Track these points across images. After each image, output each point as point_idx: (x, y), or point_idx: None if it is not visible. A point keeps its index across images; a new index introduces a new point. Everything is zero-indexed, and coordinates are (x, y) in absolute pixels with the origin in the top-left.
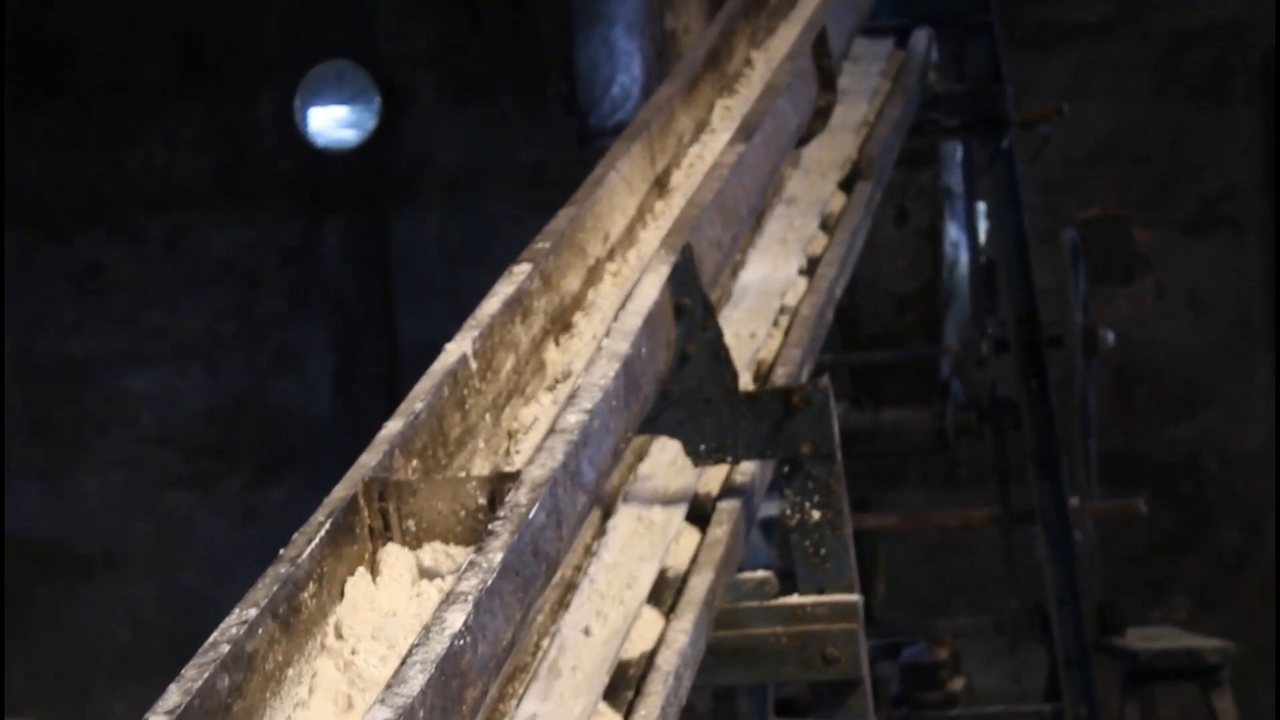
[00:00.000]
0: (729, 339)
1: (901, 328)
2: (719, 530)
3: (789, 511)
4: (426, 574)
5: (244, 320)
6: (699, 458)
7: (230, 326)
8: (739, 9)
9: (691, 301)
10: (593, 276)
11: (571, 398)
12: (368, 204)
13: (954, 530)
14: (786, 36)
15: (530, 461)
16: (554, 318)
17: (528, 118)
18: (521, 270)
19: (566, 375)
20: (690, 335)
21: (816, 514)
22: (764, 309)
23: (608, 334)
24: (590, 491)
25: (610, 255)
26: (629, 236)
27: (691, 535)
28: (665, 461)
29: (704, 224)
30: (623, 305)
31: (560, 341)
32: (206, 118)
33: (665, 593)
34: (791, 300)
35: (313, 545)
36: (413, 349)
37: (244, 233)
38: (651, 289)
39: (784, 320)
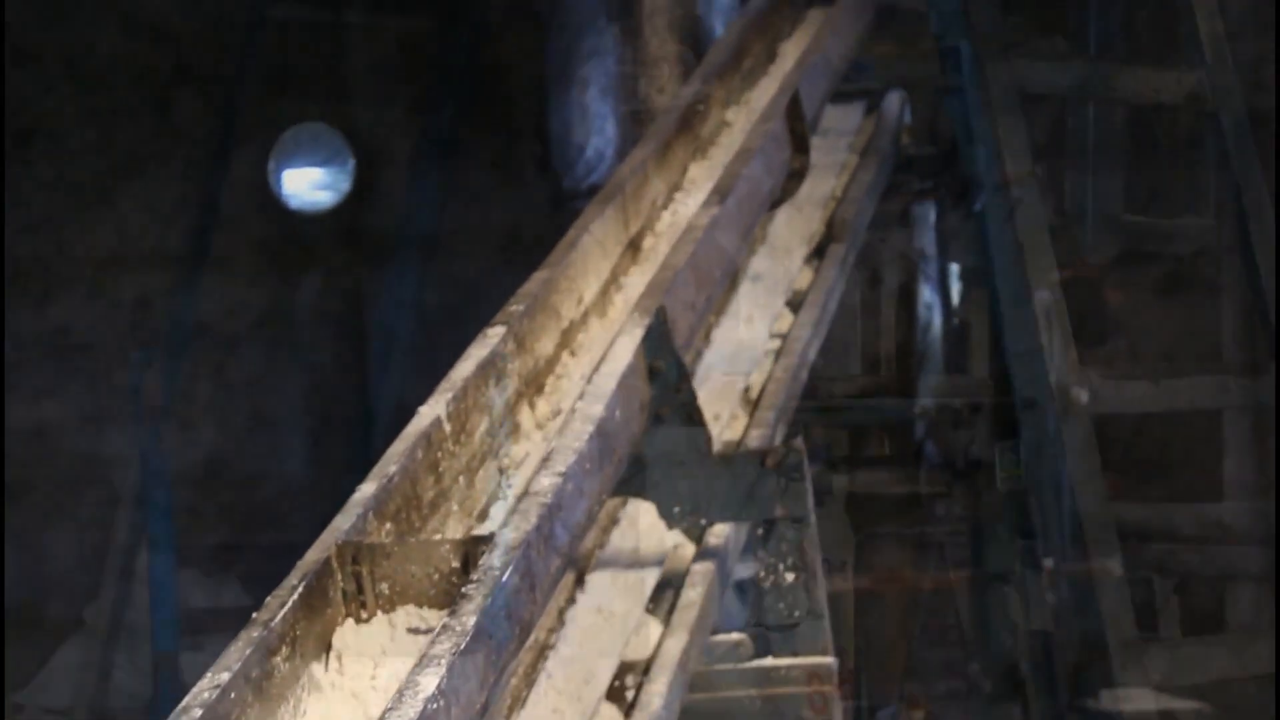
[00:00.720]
0: None
1: (875, 389)
2: (693, 593)
3: (763, 573)
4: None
5: (217, 382)
6: (673, 520)
7: (204, 389)
8: (712, 71)
9: (665, 364)
10: (567, 339)
11: (545, 460)
12: (342, 266)
13: (928, 591)
14: (766, 90)
15: (504, 524)
16: (528, 380)
17: (502, 180)
18: (495, 333)
19: (556, 413)
20: (664, 398)
21: (790, 576)
22: (728, 390)
23: (581, 396)
24: (564, 554)
25: (584, 318)
26: (603, 299)
27: (653, 626)
28: (627, 549)
29: (678, 286)
30: (596, 367)
31: (535, 404)
32: (179, 180)
33: (625, 687)
34: (757, 380)
35: (285, 609)
36: (387, 411)
37: (218, 295)
38: (625, 351)
39: (750, 399)
